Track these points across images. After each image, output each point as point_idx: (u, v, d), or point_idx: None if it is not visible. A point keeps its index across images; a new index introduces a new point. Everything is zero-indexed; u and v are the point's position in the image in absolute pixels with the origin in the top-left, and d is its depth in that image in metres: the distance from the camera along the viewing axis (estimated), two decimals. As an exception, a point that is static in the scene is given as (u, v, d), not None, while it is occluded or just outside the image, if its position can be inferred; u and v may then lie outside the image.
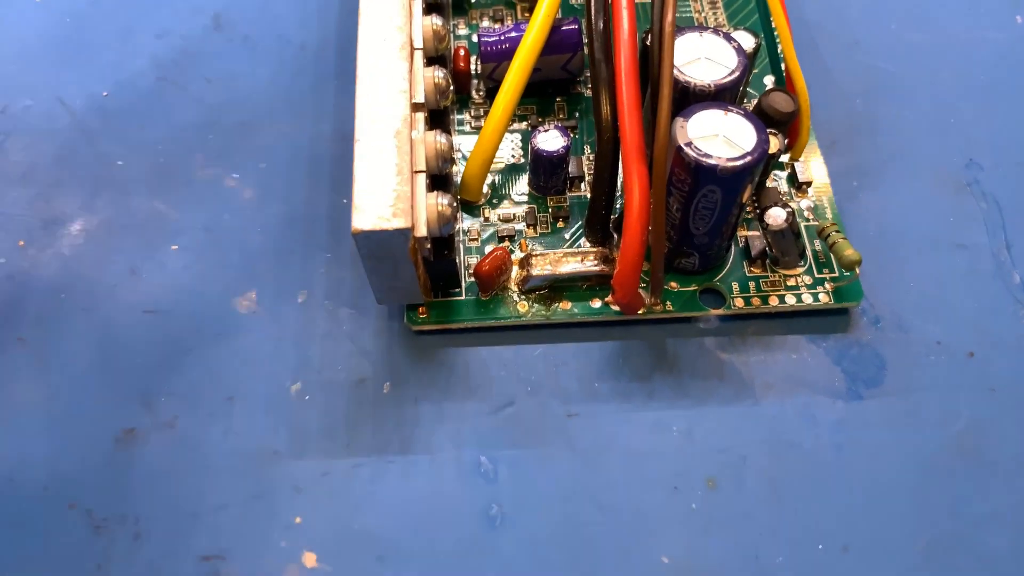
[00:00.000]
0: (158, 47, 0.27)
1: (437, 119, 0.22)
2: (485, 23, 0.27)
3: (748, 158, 0.19)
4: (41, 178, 0.25)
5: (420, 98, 0.21)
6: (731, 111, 0.20)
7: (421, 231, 0.19)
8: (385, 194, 0.19)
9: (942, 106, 0.27)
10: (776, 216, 0.21)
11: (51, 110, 0.26)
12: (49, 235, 0.24)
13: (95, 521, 0.20)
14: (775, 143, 0.22)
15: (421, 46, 0.22)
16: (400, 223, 0.19)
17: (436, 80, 0.21)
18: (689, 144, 0.19)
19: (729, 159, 0.19)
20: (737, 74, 0.21)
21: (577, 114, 0.25)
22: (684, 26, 0.22)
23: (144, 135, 0.26)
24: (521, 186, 0.24)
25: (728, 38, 0.21)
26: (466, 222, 0.23)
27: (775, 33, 0.23)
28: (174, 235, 0.24)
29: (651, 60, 0.20)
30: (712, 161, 0.19)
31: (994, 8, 0.29)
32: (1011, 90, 0.27)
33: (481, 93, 0.26)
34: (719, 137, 0.20)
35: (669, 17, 0.20)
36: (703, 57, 0.21)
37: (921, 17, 0.29)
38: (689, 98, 0.20)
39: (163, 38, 0.28)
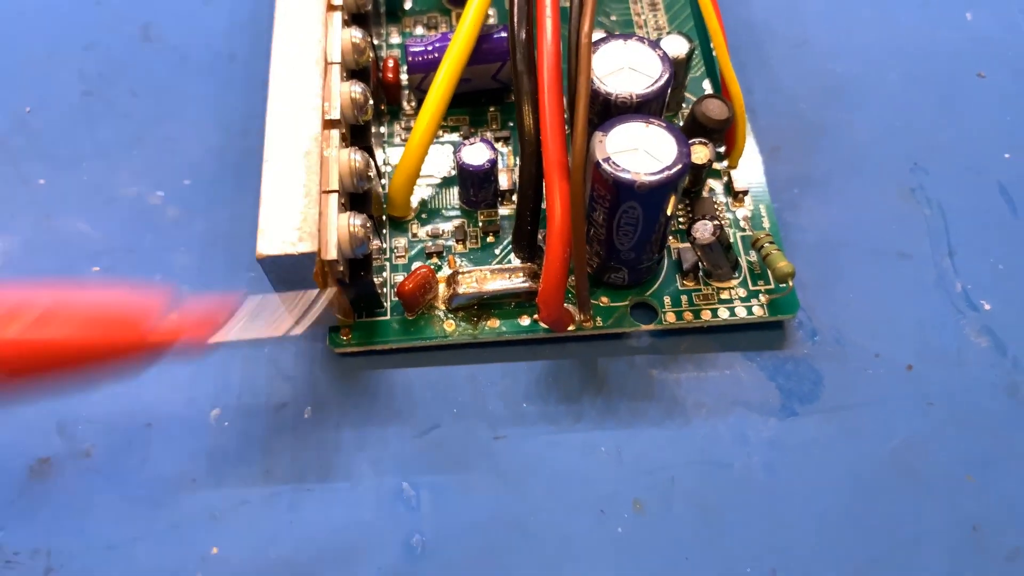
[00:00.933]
0: (85, 59, 0.27)
1: (358, 135, 0.22)
2: (419, 31, 0.26)
3: (666, 172, 0.19)
4: (-40, 198, 0.24)
5: (335, 114, 0.20)
6: (652, 123, 0.19)
7: (330, 254, 0.19)
8: (292, 217, 0.19)
9: (889, 109, 0.26)
10: (702, 230, 0.21)
11: (-28, 127, 0.25)
12: (-34, 258, 0.23)
13: (5, 555, 0.19)
14: (705, 153, 0.22)
15: (339, 60, 0.21)
16: (306, 247, 0.18)
17: (353, 95, 0.21)
18: (607, 159, 0.19)
19: (648, 174, 0.19)
20: (661, 84, 0.20)
21: (511, 124, 0.25)
22: (609, 33, 0.21)
23: (67, 153, 0.25)
24: (452, 200, 0.23)
25: (654, 45, 0.21)
26: (395, 239, 0.23)
27: (710, 36, 0.23)
28: (95, 256, 0.23)
29: (568, 69, 0.19)
30: (629, 177, 0.19)
31: (944, 7, 0.28)
32: (961, 90, 0.26)
33: (412, 105, 0.25)
34: (639, 151, 0.19)
35: (586, 27, 0.19)
36: (627, 67, 0.20)
37: (870, 17, 0.28)
38: (611, 110, 0.20)
39: (91, 50, 0.27)
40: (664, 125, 0.19)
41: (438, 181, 0.24)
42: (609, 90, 0.20)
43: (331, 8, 0.22)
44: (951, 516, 0.20)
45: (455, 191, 0.23)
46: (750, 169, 0.24)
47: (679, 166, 0.19)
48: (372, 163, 0.21)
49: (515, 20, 0.21)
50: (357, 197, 0.21)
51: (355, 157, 0.20)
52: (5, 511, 0.20)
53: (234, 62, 0.27)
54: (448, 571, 0.19)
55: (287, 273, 0.19)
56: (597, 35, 0.20)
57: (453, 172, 0.24)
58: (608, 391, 0.21)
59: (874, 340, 0.22)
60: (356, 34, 0.22)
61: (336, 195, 0.19)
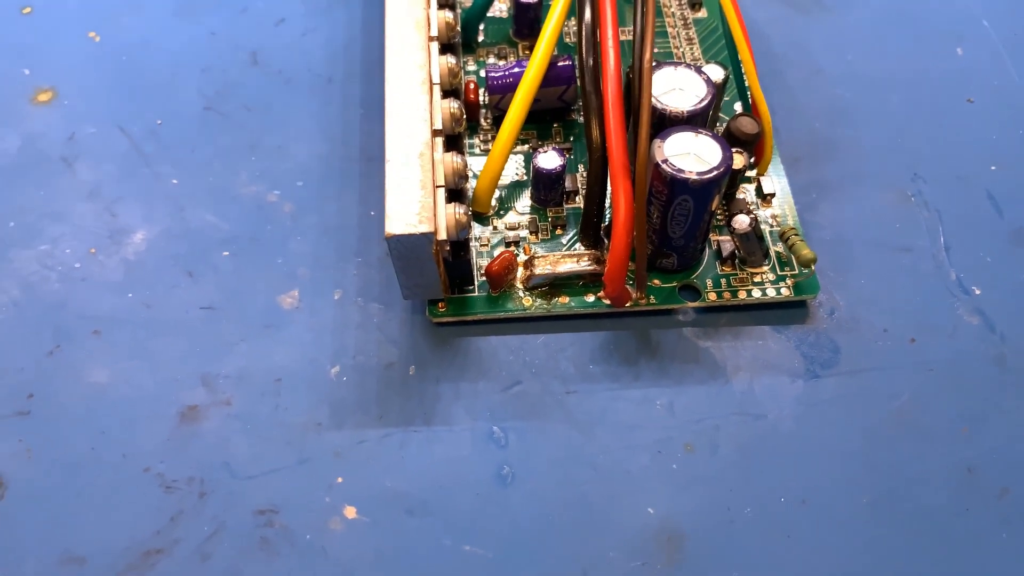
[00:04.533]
0: (203, 81, 0.31)
1: (452, 143, 0.26)
2: (491, 60, 0.31)
3: (715, 172, 0.23)
4: (106, 194, 0.28)
5: (439, 125, 0.25)
6: (701, 133, 0.24)
7: (442, 235, 0.23)
8: (412, 205, 0.23)
9: (891, 127, 0.30)
10: (741, 221, 0.25)
11: (112, 136, 0.30)
12: (115, 243, 0.27)
13: (166, 483, 0.23)
14: (740, 160, 0.26)
15: (438, 81, 0.25)
16: (425, 228, 0.22)
17: (451, 110, 0.25)
18: (665, 161, 0.23)
19: (699, 173, 0.23)
20: (706, 102, 0.24)
21: (572, 138, 0.29)
22: (661, 61, 0.25)
23: (194, 157, 0.29)
24: (524, 200, 0.28)
25: (699, 71, 0.25)
26: (477, 230, 0.27)
27: (742, 66, 0.27)
28: (224, 243, 0.27)
29: (632, 91, 0.24)
30: (684, 175, 0.23)
31: (937, 42, 0.33)
32: (952, 113, 0.31)
33: (488, 121, 0.29)
34: (690, 155, 0.23)
35: (647, 55, 0.24)
36: (677, 88, 0.25)
37: (874, 50, 0.32)
38: (665, 122, 0.24)
39: (207, 72, 0.31)
40: (711, 135, 0.24)
41: (510, 184, 0.28)
42: (664, 106, 0.24)
43: (430, 39, 0.26)
44: (949, 460, 0.24)
45: (527, 192, 0.28)
46: (776, 176, 0.28)
47: (724, 167, 0.23)
48: (467, 165, 0.25)
49: (583, 49, 0.25)
50: (454, 193, 0.25)
51: (456, 159, 0.24)
52: (163, 447, 0.24)
53: (331, 83, 0.31)
54: (533, 495, 0.23)
55: (407, 250, 0.23)
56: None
57: (525, 176, 0.28)
58: (661, 356, 0.25)
59: (882, 317, 0.26)
60: (451, 60, 0.26)
61: (443, 189, 0.24)
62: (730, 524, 0.23)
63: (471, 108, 0.29)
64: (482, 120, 0.29)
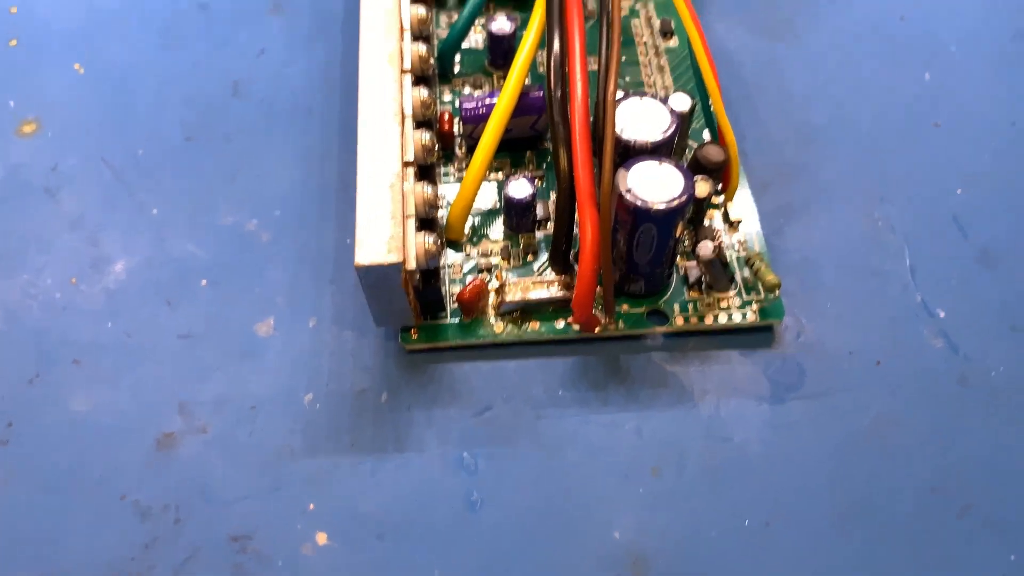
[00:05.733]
0: (185, 110, 0.32)
1: (425, 172, 0.26)
2: (467, 90, 0.31)
3: (676, 201, 0.24)
4: (89, 224, 0.29)
5: (410, 156, 0.25)
6: (664, 162, 0.24)
7: (411, 264, 0.23)
8: (382, 235, 0.23)
9: (860, 151, 0.31)
10: (705, 248, 0.25)
11: (95, 166, 0.30)
12: (97, 272, 0.28)
13: (141, 509, 0.24)
14: (705, 188, 0.26)
15: (411, 113, 0.26)
16: (394, 258, 0.23)
17: (423, 141, 0.26)
18: (629, 191, 0.24)
19: (661, 202, 0.23)
20: (670, 132, 0.25)
21: (544, 166, 0.30)
22: (629, 91, 0.26)
23: (175, 186, 0.30)
24: (498, 227, 0.28)
25: (664, 102, 0.26)
26: (451, 257, 0.28)
27: (708, 95, 0.28)
28: (203, 272, 0.28)
29: (596, 122, 0.24)
30: (647, 204, 0.23)
31: (906, 67, 0.33)
32: (919, 138, 0.31)
33: (463, 150, 0.30)
34: (654, 184, 0.24)
35: (611, 88, 0.24)
36: (642, 119, 0.25)
37: (844, 75, 0.33)
38: (631, 152, 0.25)
39: (189, 103, 0.32)
40: (674, 163, 0.24)
41: (485, 211, 0.29)
42: (629, 136, 0.25)
43: (403, 72, 0.27)
44: (914, 480, 0.24)
45: (500, 219, 0.28)
46: (743, 202, 0.29)
47: (686, 196, 0.24)
48: (437, 194, 0.26)
49: (551, 82, 0.26)
50: (425, 222, 0.25)
51: (426, 189, 0.25)
52: (139, 474, 0.24)
53: (311, 114, 0.32)
54: (502, 520, 0.24)
55: (377, 280, 0.23)
56: (618, 94, 0.25)
57: (498, 204, 0.29)
58: (629, 381, 0.26)
59: (848, 340, 0.27)
60: (423, 92, 0.27)
61: (413, 219, 0.24)
62: (696, 546, 0.23)
63: (446, 137, 0.29)
64: (457, 149, 0.30)
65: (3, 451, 0.24)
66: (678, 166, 0.24)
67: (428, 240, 0.24)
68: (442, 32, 0.33)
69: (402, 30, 0.28)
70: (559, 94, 0.26)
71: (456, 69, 0.32)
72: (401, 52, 0.27)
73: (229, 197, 0.30)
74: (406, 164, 0.25)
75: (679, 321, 0.26)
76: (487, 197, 0.29)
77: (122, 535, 0.23)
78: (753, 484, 0.24)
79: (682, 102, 0.28)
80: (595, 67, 0.30)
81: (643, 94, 0.26)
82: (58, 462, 0.24)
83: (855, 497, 0.24)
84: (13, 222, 0.29)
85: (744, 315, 0.26)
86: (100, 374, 0.26)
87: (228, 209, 0.29)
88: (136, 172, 0.30)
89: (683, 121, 0.28)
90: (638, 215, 0.24)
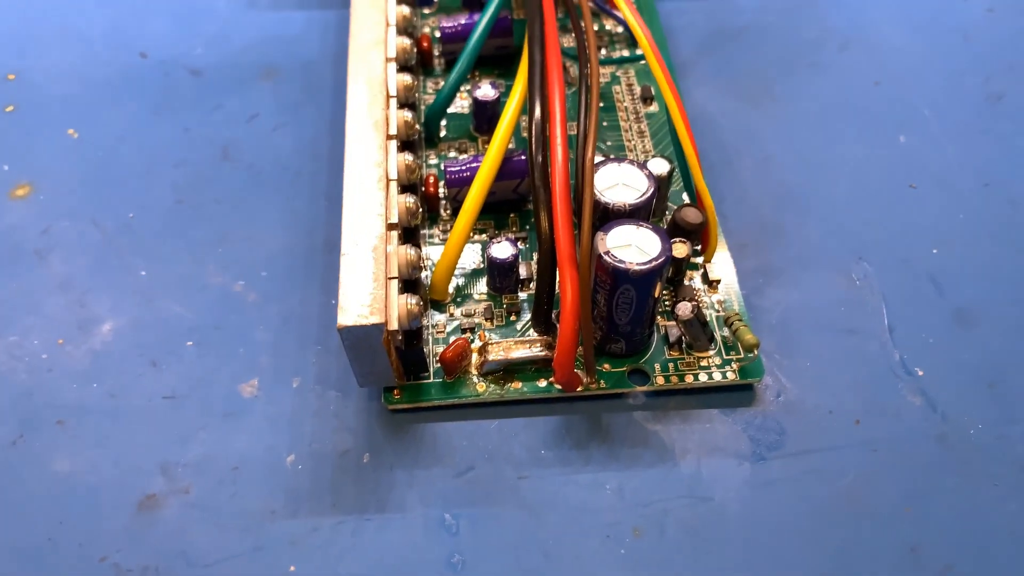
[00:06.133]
0: (176, 174, 0.32)
1: (409, 235, 0.27)
2: (452, 154, 0.32)
3: (654, 263, 0.24)
4: (77, 286, 0.29)
5: (394, 219, 0.26)
6: (642, 226, 0.25)
7: (393, 325, 0.24)
8: (364, 296, 0.24)
9: (837, 213, 0.32)
10: (684, 308, 0.26)
11: (86, 229, 0.31)
12: (84, 333, 0.28)
13: (121, 572, 0.23)
14: (683, 249, 0.27)
15: (395, 177, 0.27)
16: (376, 319, 0.23)
17: (407, 204, 0.26)
18: (607, 252, 0.24)
19: (639, 263, 0.24)
20: (647, 196, 0.26)
21: (527, 227, 0.30)
22: (608, 156, 0.27)
23: (164, 249, 0.30)
24: (482, 287, 0.29)
25: (641, 166, 0.26)
26: (435, 318, 0.28)
27: (686, 159, 0.28)
28: (189, 332, 0.28)
29: (576, 185, 0.25)
30: (625, 266, 0.24)
31: (881, 131, 0.34)
32: (895, 199, 0.32)
33: (447, 212, 0.30)
34: (632, 247, 0.25)
35: (589, 153, 0.25)
36: (620, 183, 0.26)
37: (821, 138, 0.34)
38: (609, 215, 0.25)
39: (180, 167, 0.33)
40: (651, 227, 0.25)
41: (469, 272, 0.29)
42: (607, 200, 0.26)
43: (389, 137, 0.28)
44: (894, 540, 0.24)
45: (483, 280, 0.29)
46: (722, 262, 0.29)
47: (663, 258, 0.24)
48: (421, 256, 0.26)
49: (533, 147, 0.27)
50: (408, 283, 0.26)
51: (410, 251, 0.25)
52: (120, 536, 0.24)
53: (299, 177, 0.32)
54: (483, 583, 0.23)
55: (359, 340, 0.24)
56: (597, 159, 0.26)
57: (482, 265, 0.29)
58: (611, 440, 0.26)
59: (828, 399, 0.27)
60: (408, 157, 0.27)
61: (396, 280, 0.25)
62: (677, 608, 0.23)
63: (431, 200, 0.30)
64: (442, 211, 0.31)
65: (-16, 513, 0.24)
66: (655, 229, 0.25)
67: (411, 301, 0.24)
68: (429, 98, 0.34)
69: (388, 97, 0.29)
70: (540, 159, 0.27)
71: (442, 133, 0.33)
72: (387, 118, 0.28)
73: (217, 259, 0.30)
74: (390, 227, 0.25)
75: (660, 380, 0.27)
76: (471, 258, 0.29)
77: (100, 599, 0.23)
78: (734, 544, 0.24)
79: (660, 166, 0.28)
80: (576, 132, 0.31)
81: (621, 159, 0.26)
82: (38, 523, 0.24)
83: (835, 558, 0.24)
84: (3, 284, 0.29)
85: (724, 374, 0.27)
86: (84, 435, 0.26)
87: (216, 270, 0.30)
88: (126, 235, 0.31)
89: (661, 184, 0.28)
90: (617, 276, 0.24)
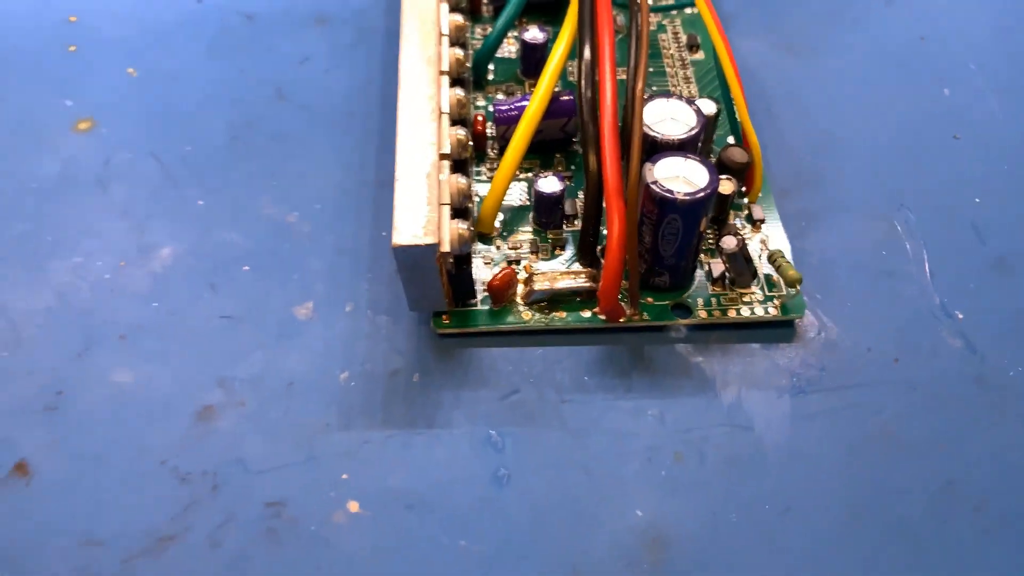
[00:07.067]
0: (231, 112, 0.33)
1: (459, 167, 0.28)
2: (500, 96, 0.33)
3: (701, 193, 0.25)
4: (137, 213, 0.30)
5: (446, 149, 0.26)
6: (690, 158, 0.25)
7: (445, 247, 0.24)
8: (418, 219, 0.25)
9: (878, 162, 0.32)
10: (728, 241, 0.26)
11: (145, 162, 0.32)
12: (144, 257, 0.29)
13: (181, 475, 0.25)
14: (729, 186, 0.27)
15: (447, 111, 0.27)
16: (430, 240, 0.24)
17: (458, 137, 0.27)
18: (655, 182, 0.25)
19: (686, 193, 0.25)
20: (696, 130, 0.26)
21: (572, 167, 0.31)
22: (656, 93, 0.27)
23: (220, 182, 0.31)
24: (527, 224, 0.29)
25: (690, 102, 0.27)
26: (481, 249, 0.29)
27: (733, 103, 0.29)
28: (245, 259, 0.29)
29: (626, 118, 0.25)
30: (673, 195, 0.24)
31: (925, 84, 0.34)
32: (939, 148, 0.32)
33: (495, 151, 0.31)
34: (679, 178, 0.25)
35: (639, 85, 0.25)
36: (669, 118, 0.27)
37: (863, 91, 0.34)
38: (657, 148, 0.26)
39: (235, 105, 0.34)
40: (699, 159, 0.25)
41: (516, 207, 0.30)
42: (656, 133, 0.26)
43: (441, 73, 0.28)
44: (929, 474, 0.25)
45: (529, 216, 0.29)
46: (765, 205, 0.30)
47: (710, 189, 0.25)
48: (471, 187, 0.27)
49: (582, 84, 0.27)
50: (460, 211, 0.27)
51: (460, 180, 0.26)
52: (180, 443, 0.25)
53: (351, 118, 0.33)
54: (527, 496, 0.24)
55: (413, 261, 0.24)
56: (646, 95, 0.27)
57: (528, 202, 0.30)
58: (653, 370, 0.27)
59: (866, 338, 0.27)
60: (459, 92, 0.28)
61: (448, 207, 0.25)
62: (715, 529, 0.24)
63: (479, 139, 0.31)
64: (489, 150, 0.31)
65: (52, 416, 0.25)
66: (703, 161, 0.25)
67: (461, 226, 0.25)
68: (477, 43, 0.34)
69: (440, 35, 0.29)
70: (589, 94, 0.27)
71: (490, 77, 0.33)
72: (439, 55, 0.29)
73: (271, 192, 0.31)
74: (442, 156, 0.26)
75: (702, 314, 0.27)
76: (517, 195, 0.30)
77: (162, 498, 0.24)
78: (772, 473, 0.25)
79: (708, 106, 0.29)
80: (623, 77, 0.31)
81: (670, 95, 0.27)
82: (102, 429, 0.25)
83: (871, 489, 0.25)
84: (67, 210, 0.30)
85: (766, 309, 0.27)
86: (144, 350, 0.27)
87: (270, 202, 0.31)
88: (183, 167, 0.32)
89: (708, 123, 0.29)
90: (664, 206, 0.25)
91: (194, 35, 0.36)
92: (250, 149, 0.32)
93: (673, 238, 0.26)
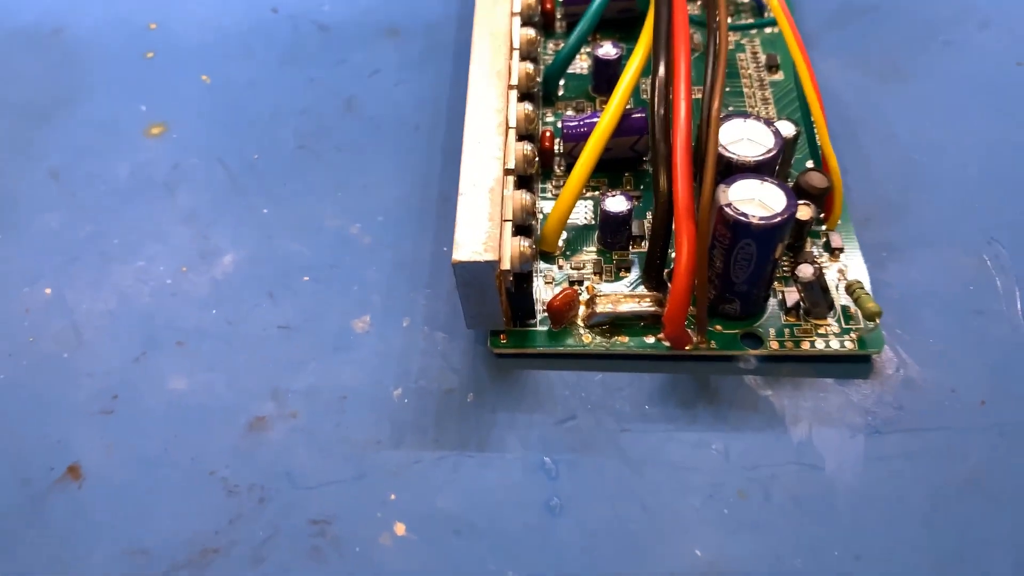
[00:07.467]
0: (300, 121, 0.33)
1: (524, 183, 0.27)
2: (569, 112, 0.32)
3: (778, 218, 0.23)
4: (202, 219, 0.30)
5: (511, 165, 0.26)
6: (767, 181, 0.24)
7: (505, 265, 0.24)
8: (479, 235, 0.24)
9: (967, 194, 0.30)
10: (805, 270, 0.25)
11: (212, 167, 0.32)
12: (206, 264, 0.29)
13: (229, 486, 0.24)
14: (807, 212, 0.26)
15: (514, 125, 0.27)
16: (490, 257, 0.23)
17: (524, 152, 0.26)
18: (729, 205, 0.24)
19: (761, 218, 0.23)
20: (773, 152, 0.25)
21: (641, 187, 0.30)
22: (732, 113, 0.26)
23: (285, 191, 0.31)
24: (592, 244, 0.28)
25: (768, 123, 0.26)
26: (544, 269, 0.28)
27: (814, 126, 0.28)
28: (306, 269, 0.29)
29: (700, 137, 0.24)
30: (747, 219, 0.23)
31: (1021, 111, 0.32)
32: (1032, 182, 0.30)
33: (562, 168, 0.30)
34: (755, 201, 0.24)
35: (716, 104, 0.24)
36: (746, 138, 0.25)
37: (953, 118, 0.32)
38: (732, 170, 0.25)
39: (304, 115, 0.34)
40: (776, 183, 0.24)
41: (580, 226, 0.29)
42: (731, 154, 0.25)
43: (510, 87, 0.28)
44: (1019, 527, 0.23)
45: (594, 236, 0.29)
46: (845, 233, 0.28)
47: (787, 214, 0.24)
48: (535, 203, 0.26)
49: (655, 102, 0.27)
50: (523, 228, 0.26)
51: (524, 196, 0.25)
52: (230, 453, 0.25)
53: (418, 131, 0.33)
54: (580, 527, 0.23)
55: (472, 278, 0.24)
56: (722, 114, 0.26)
57: (594, 221, 0.29)
58: (719, 401, 0.25)
59: (950, 378, 0.26)
60: (528, 107, 0.28)
61: (510, 223, 0.25)
62: (778, 573, 0.22)
63: (546, 155, 0.30)
64: (556, 167, 0.31)
65: (108, 420, 0.25)
66: (781, 185, 0.24)
67: (523, 244, 0.24)
68: (549, 59, 0.34)
69: (511, 49, 0.29)
70: (662, 112, 0.26)
71: (560, 93, 0.33)
72: (509, 68, 0.28)
73: (335, 203, 0.31)
74: (507, 171, 0.26)
75: (774, 345, 0.26)
76: (583, 213, 0.29)
77: (208, 509, 0.24)
78: (842, 517, 0.23)
79: (786, 128, 0.27)
80: (698, 96, 0.30)
81: (747, 115, 0.26)
82: (155, 435, 0.25)
83: (954, 541, 0.23)
84: (134, 213, 0.31)
85: (842, 343, 0.26)
86: (201, 357, 0.27)
87: (333, 213, 0.30)
88: (250, 175, 0.32)
89: (786, 147, 0.28)
90: (737, 230, 0.24)
91: (268, 44, 0.36)
92: (317, 159, 0.32)
93: (746, 264, 0.24)
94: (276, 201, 0.31)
